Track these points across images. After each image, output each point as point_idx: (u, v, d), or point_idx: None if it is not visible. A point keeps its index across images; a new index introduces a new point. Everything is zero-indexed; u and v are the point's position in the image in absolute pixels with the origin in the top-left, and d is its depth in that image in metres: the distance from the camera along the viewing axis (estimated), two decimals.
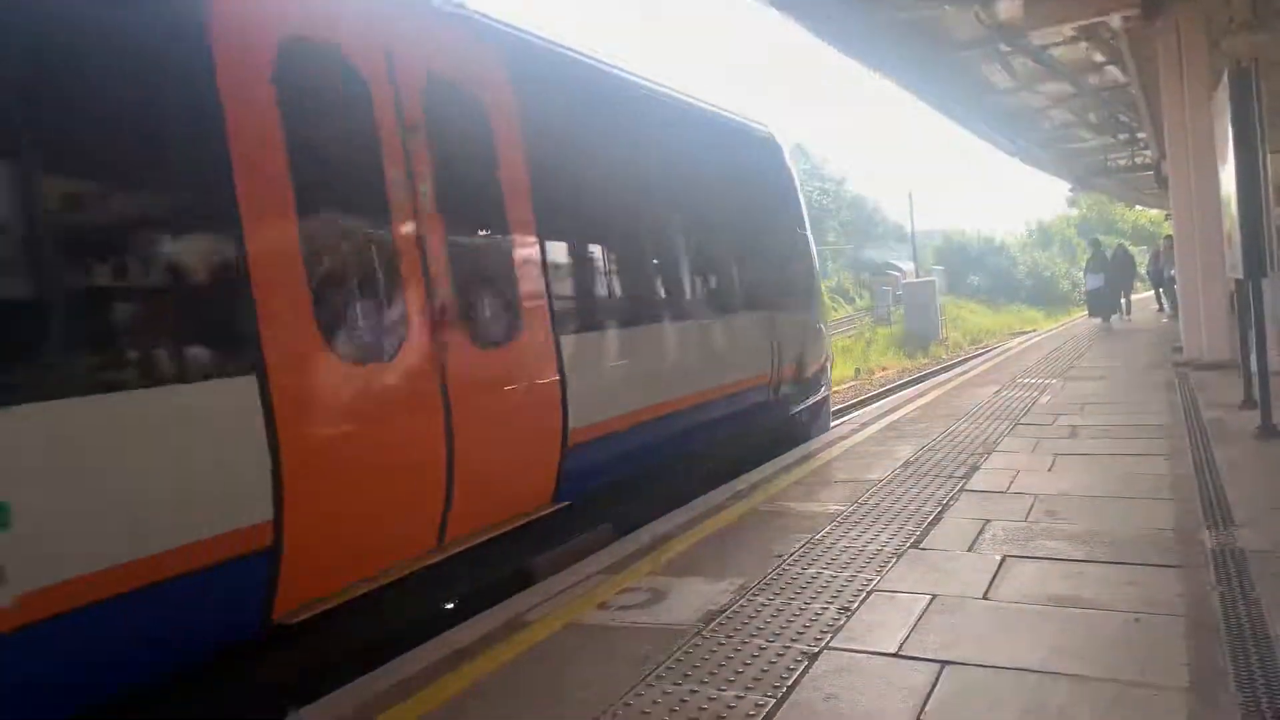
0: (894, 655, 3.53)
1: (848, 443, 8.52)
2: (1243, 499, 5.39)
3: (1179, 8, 12.45)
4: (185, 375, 3.67)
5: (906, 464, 7.20)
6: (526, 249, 5.80)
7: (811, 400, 10.55)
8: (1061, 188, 37.43)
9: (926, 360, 32.52)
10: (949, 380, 13.51)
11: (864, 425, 9.56)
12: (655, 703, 3.27)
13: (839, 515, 5.73)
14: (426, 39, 5.30)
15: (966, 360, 23.75)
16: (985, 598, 4.10)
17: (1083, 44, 16.15)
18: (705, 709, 3.19)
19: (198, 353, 3.77)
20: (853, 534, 5.28)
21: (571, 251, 6.44)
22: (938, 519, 5.48)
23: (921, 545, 4.97)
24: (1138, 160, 27.65)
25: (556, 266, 6.09)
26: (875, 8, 13.04)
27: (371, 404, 4.50)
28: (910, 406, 10.79)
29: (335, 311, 4.41)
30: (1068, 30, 15.31)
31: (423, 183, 4.93)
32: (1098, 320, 23.28)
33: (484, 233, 5.69)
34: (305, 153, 4.24)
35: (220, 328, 3.89)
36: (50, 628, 3.08)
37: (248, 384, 3.82)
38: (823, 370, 11.35)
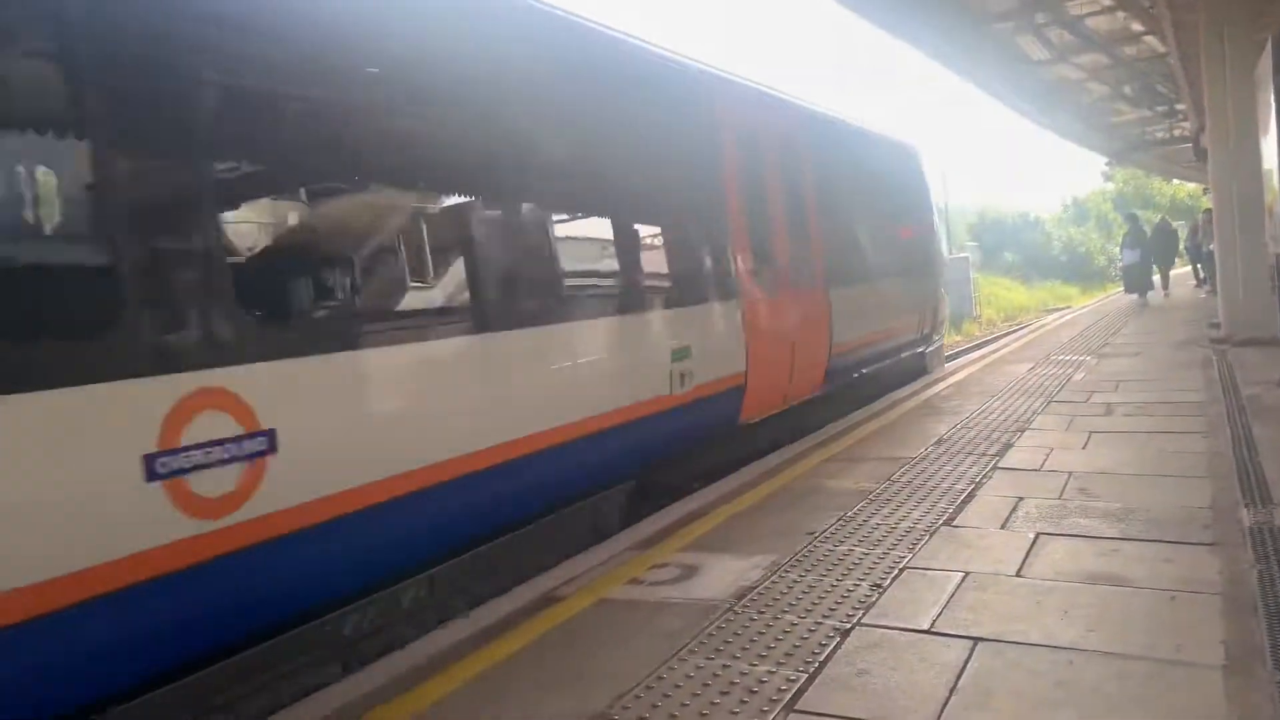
0: (926, 632, 3.53)
1: (880, 420, 8.49)
2: None
3: None
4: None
5: (940, 441, 7.16)
6: (821, 239, 9.56)
7: (938, 341, 14.27)
8: (1098, 162, 36.81)
9: (959, 338, 32.22)
10: (982, 357, 13.39)
11: (896, 403, 9.51)
12: (688, 677, 3.30)
13: (871, 493, 5.72)
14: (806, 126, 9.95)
15: (1000, 337, 23.52)
16: (1019, 575, 4.09)
17: (1119, 14, 15.86)
18: (737, 683, 3.21)
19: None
20: (884, 511, 5.27)
21: (829, 238, 9.78)
22: (971, 496, 5.46)
23: (954, 523, 4.95)
24: (1176, 133, 27.19)
25: (826, 248, 9.65)
26: None
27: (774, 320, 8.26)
28: (943, 384, 10.72)
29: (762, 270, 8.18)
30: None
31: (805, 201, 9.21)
32: (1134, 296, 22.91)
33: (810, 229, 9.42)
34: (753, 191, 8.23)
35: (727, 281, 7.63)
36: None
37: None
38: (942, 321, 14.71)
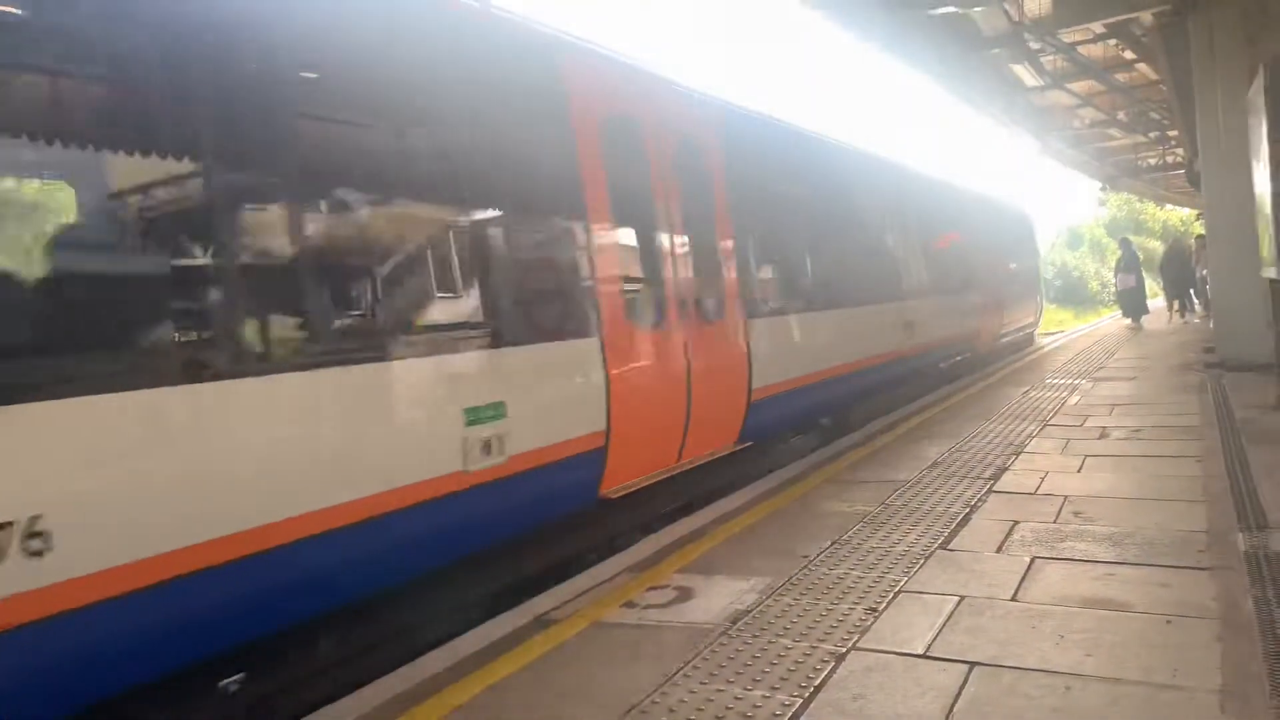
0: (922, 656, 3.51)
1: (874, 444, 8.48)
2: (1277, 501, 5.30)
3: (1213, 3, 12.30)
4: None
5: (934, 464, 7.15)
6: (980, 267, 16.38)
7: (1036, 325, 23.03)
8: (1093, 189, 36.99)
9: None
10: (976, 380, 13.40)
11: (891, 426, 9.51)
12: (681, 701, 3.27)
13: (866, 516, 5.70)
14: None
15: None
16: (1014, 599, 4.07)
17: (1112, 41, 16.01)
18: (732, 708, 3.19)
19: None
20: (880, 534, 5.26)
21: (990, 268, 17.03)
22: (966, 520, 5.44)
23: (950, 546, 4.94)
24: (1169, 159, 27.37)
25: (991, 276, 17.05)
26: (904, 6, 13.03)
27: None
28: (938, 407, 10.72)
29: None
30: (1098, 27, 15.19)
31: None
32: (1128, 321, 22.90)
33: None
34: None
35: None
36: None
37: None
38: (1041, 314, 23.96)
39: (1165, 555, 4.51)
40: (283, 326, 4.09)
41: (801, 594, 4.33)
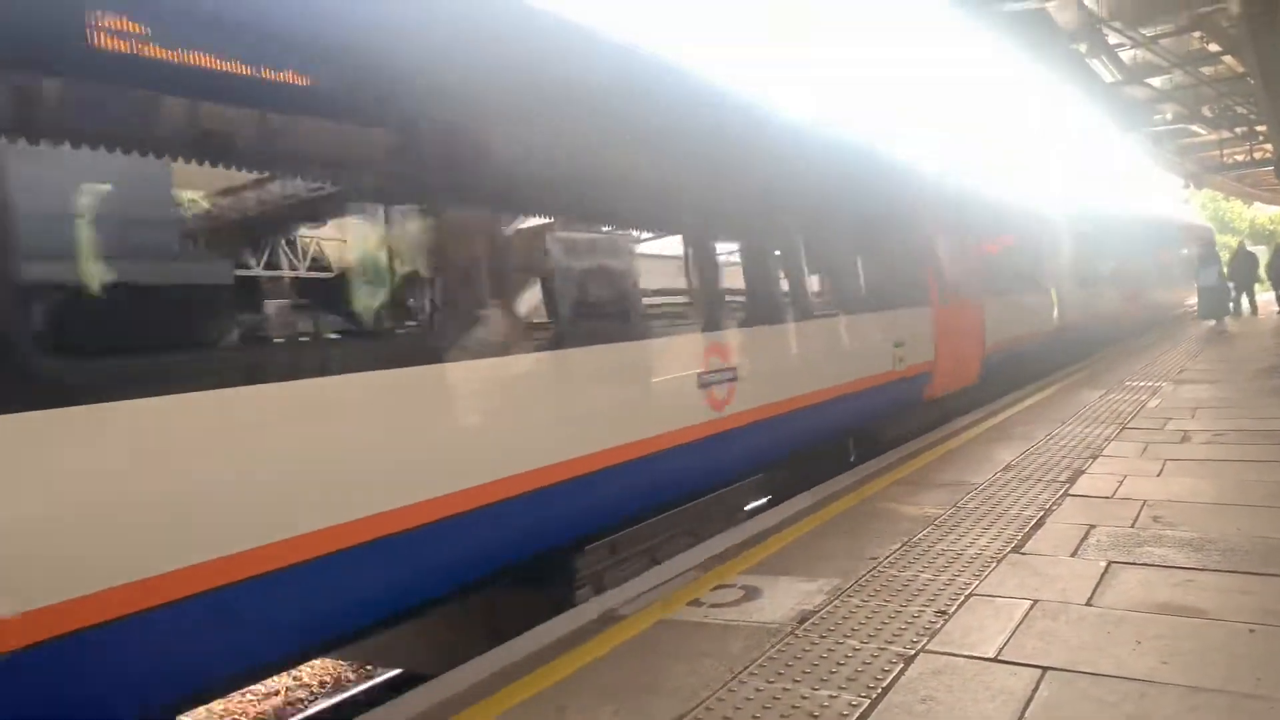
0: (993, 660, 3.47)
1: (947, 445, 8.36)
2: None
3: None
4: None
5: (1008, 467, 7.04)
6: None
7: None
8: (1175, 185, 35.87)
9: None
10: (1054, 382, 13.11)
11: (966, 427, 9.37)
12: (747, 699, 3.28)
13: (937, 519, 5.63)
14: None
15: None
16: (1089, 604, 3.99)
17: (1196, 34, 15.54)
18: (799, 707, 3.19)
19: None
20: (951, 537, 5.19)
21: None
22: (1040, 523, 5.35)
23: (1022, 550, 4.86)
24: (1256, 155, 26.45)
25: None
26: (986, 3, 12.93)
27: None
28: (1014, 409, 10.52)
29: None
30: (1182, 19, 14.77)
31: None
32: (1210, 322, 22.20)
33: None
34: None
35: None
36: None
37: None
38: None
39: (1248, 561, 4.38)
40: (855, 288, 8.83)
41: (870, 596, 4.30)
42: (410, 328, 4.52)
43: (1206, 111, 22.42)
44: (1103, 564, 4.51)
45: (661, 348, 5.84)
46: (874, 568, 4.73)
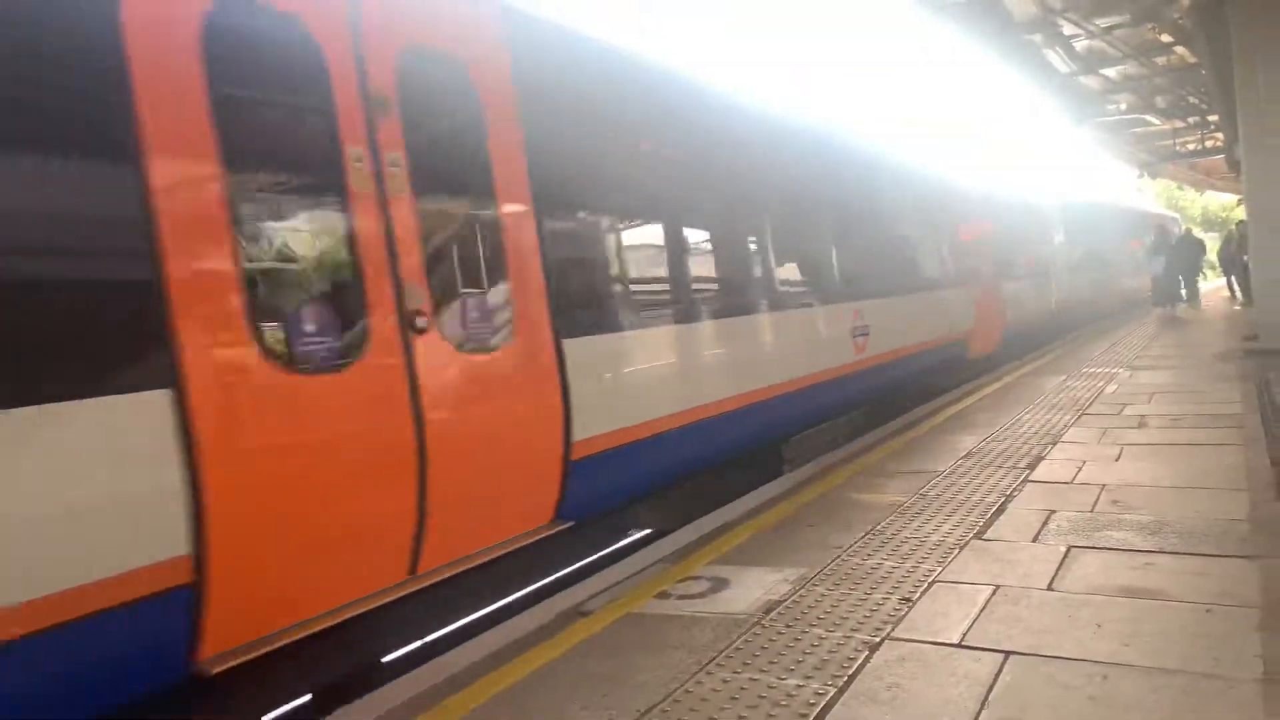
0: (957, 645, 3.50)
1: (911, 433, 8.43)
2: None
3: None
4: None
5: (969, 454, 7.11)
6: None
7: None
8: (1127, 174, 36.39)
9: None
10: (1013, 370, 13.27)
11: (928, 415, 9.45)
12: (715, 690, 3.28)
13: (901, 506, 5.68)
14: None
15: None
16: (1051, 588, 4.04)
17: (1149, 25, 15.76)
18: (765, 696, 3.19)
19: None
20: (915, 525, 5.23)
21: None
22: (1001, 510, 5.41)
23: (985, 536, 4.91)
24: (1208, 144, 26.89)
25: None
26: None
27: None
28: (974, 396, 10.63)
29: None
30: (1135, 11, 14.96)
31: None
32: (1163, 308, 22.55)
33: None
34: None
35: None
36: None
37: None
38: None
39: (1205, 543, 4.46)
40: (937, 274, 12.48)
41: (835, 584, 4.33)
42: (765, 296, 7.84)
43: (1160, 101, 22.75)
44: (1063, 549, 4.56)
45: (835, 311, 8.99)
46: (839, 556, 4.75)
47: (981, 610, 3.83)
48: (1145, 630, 3.49)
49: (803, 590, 4.28)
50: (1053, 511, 5.25)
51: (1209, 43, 14.09)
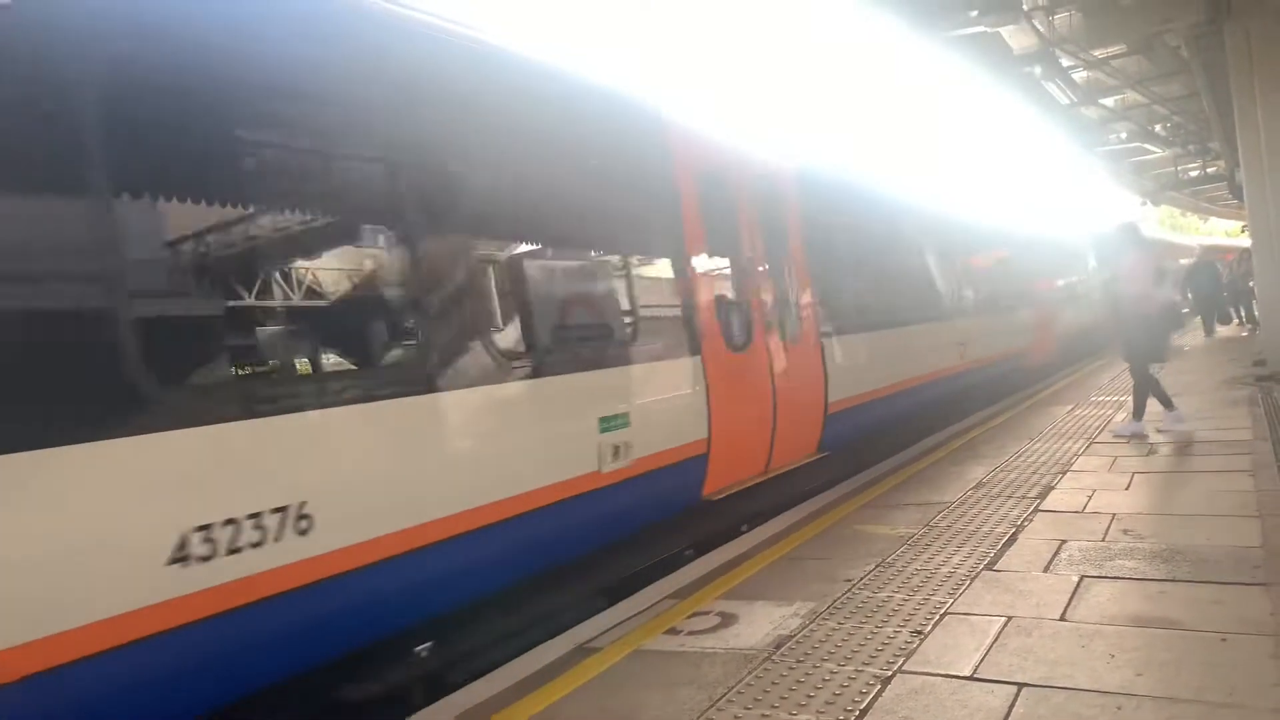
0: (969, 678, 3.46)
1: (918, 465, 8.39)
2: None
3: (1248, 12, 12.18)
4: None
5: (978, 485, 7.07)
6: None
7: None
8: (1130, 202, 36.56)
9: None
10: (1022, 399, 13.22)
11: (937, 446, 9.41)
12: None
13: (910, 538, 5.64)
14: None
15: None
16: (1063, 619, 4.00)
17: (1144, 56, 15.88)
18: None
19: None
20: (924, 556, 5.20)
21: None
22: (1012, 540, 5.37)
23: (995, 567, 4.87)
24: (1210, 171, 26.98)
25: None
26: (937, 26, 13.11)
27: None
28: (984, 427, 10.59)
29: None
30: (1131, 42, 15.08)
31: None
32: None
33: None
34: None
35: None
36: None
37: None
38: None
39: (1218, 571, 4.41)
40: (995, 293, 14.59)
41: (846, 618, 4.29)
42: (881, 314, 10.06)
43: (1159, 129, 22.86)
44: (1075, 578, 4.53)
45: (940, 328, 11.50)
46: (849, 589, 4.72)
47: (994, 642, 3.79)
48: (1159, 660, 3.45)
49: (813, 624, 4.25)
50: (1064, 541, 5.22)
51: (1206, 70, 14.19)
